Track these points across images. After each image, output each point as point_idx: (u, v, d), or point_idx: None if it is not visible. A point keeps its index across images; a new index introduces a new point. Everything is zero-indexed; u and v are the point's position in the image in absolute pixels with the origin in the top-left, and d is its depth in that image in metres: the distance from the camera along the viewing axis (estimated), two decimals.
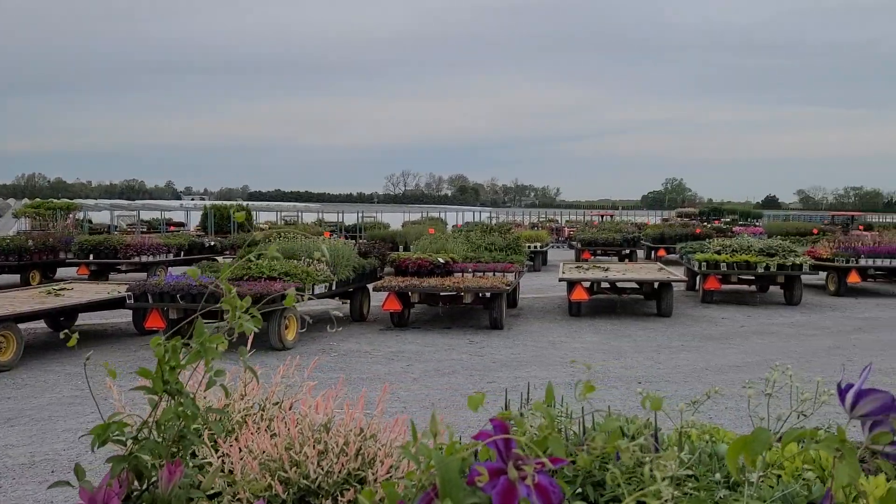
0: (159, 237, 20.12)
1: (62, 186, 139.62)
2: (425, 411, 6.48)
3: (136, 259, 17.08)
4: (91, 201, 55.36)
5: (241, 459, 1.68)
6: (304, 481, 1.65)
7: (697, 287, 15.15)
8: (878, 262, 15.23)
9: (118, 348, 9.65)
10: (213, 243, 20.39)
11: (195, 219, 36.59)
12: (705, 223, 36.45)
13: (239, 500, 1.62)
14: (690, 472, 1.97)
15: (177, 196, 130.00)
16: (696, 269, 14.36)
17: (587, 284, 12.53)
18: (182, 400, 1.41)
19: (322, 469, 1.66)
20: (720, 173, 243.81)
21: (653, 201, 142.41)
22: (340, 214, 39.36)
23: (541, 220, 45.80)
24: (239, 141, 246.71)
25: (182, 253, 18.54)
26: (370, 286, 12.24)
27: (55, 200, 39.79)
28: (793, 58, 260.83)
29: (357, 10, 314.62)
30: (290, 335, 9.88)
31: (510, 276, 12.06)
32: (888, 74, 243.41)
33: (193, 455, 1.88)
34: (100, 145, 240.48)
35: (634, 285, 12.99)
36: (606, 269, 13.84)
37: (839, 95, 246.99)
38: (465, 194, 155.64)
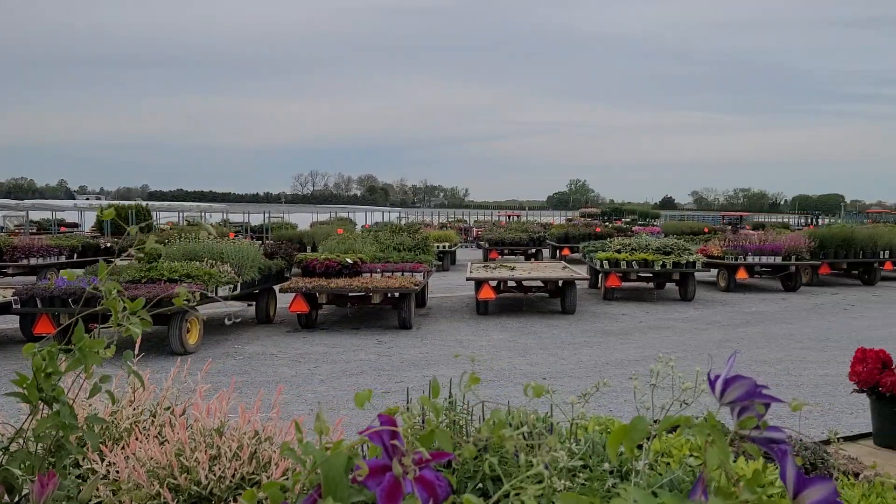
0: (50, 238, 19.04)
1: None
2: (332, 413, 6.41)
3: (25, 262, 16.10)
4: None
5: (129, 467, 1.61)
6: (195, 487, 1.60)
7: (599, 285, 15.66)
8: (764, 260, 16.19)
9: (3, 357, 9.07)
10: (109, 245, 19.45)
11: (90, 219, 34.83)
12: (606, 223, 37.71)
13: None
14: (584, 463, 2.04)
15: (70, 196, 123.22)
16: (597, 267, 14.83)
17: (494, 283, 12.73)
18: (59, 408, 1.34)
19: (214, 474, 1.61)
20: (621, 175, 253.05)
21: (558, 202, 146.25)
22: (246, 215, 38.40)
23: (450, 220, 46.12)
24: (138, 138, 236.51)
25: (75, 255, 17.61)
26: (276, 287, 12.00)
27: None
28: (686, 65, 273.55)
29: (265, 6, 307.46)
30: (193, 339, 9.57)
31: (419, 276, 12.09)
32: (767, 84, 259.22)
33: (77, 465, 1.80)
34: None
35: (540, 284, 13.29)
36: (513, 269, 14.10)
37: (726, 102, 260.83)
38: (375, 194, 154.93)
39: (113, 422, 1.96)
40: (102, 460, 1.75)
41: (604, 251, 15.21)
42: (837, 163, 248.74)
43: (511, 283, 13.34)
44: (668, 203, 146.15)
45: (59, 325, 9.07)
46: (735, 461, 2.23)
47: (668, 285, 15.70)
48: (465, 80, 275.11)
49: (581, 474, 1.95)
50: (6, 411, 1.94)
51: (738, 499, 0.96)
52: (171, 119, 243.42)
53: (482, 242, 26.26)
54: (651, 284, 15.81)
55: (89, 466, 1.77)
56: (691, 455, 2.30)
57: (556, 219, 50.29)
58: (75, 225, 35.07)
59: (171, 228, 28.66)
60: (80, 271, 12.99)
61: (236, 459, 1.65)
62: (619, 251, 15.01)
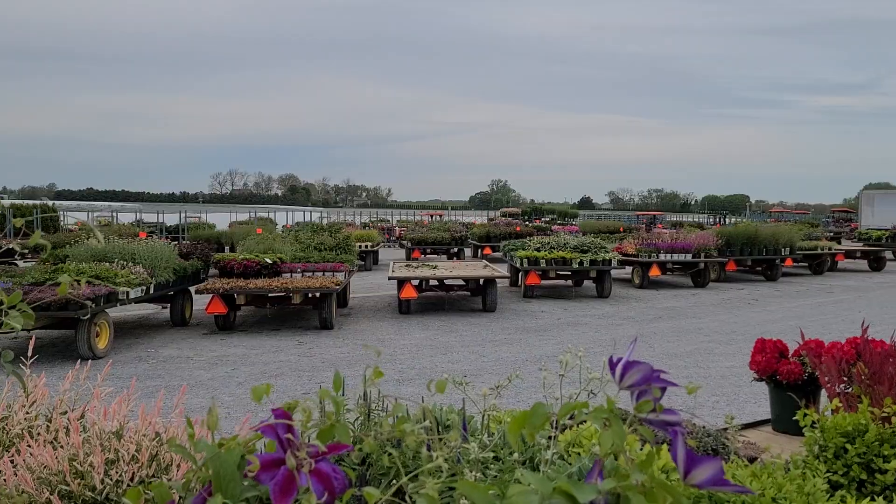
0: None
1: None
2: (252, 416, 6.26)
3: None
4: None
5: (17, 475, 1.53)
6: (90, 493, 1.53)
7: (519, 283, 15.90)
8: (675, 257, 16.82)
9: None
10: (11, 246, 18.37)
11: None
12: (527, 223, 38.33)
13: None
14: (495, 455, 2.06)
15: None
16: (518, 265, 15.05)
17: (416, 282, 12.74)
18: None
19: (111, 478, 1.54)
20: (542, 176, 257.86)
21: (480, 202, 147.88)
22: (161, 214, 37.11)
23: (372, 220, 45.86)
24: (44, 135, 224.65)
25: None
26: (193, 289, 11.65)
27: None
28: (604, 70, 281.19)
29: (182, 1, 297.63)
30: (102, 343, 9.18)
31: (340, 276, 11.97)
32: (679, 89, 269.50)
33: None
34: None
35: (461, 282, 13.39)
36: (435, 268, 14.15)
37: (641, 106, 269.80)
38: (296, 194, 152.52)
39: (3, 427, 1.85)
40: None
41: (524, 250, 15.45)
42: (743, 165, 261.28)
43: (433, 282, 13.38)
44: (585, 203, 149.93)
45: None
46: (642, 449, 2.30)
47: (586, 282, 16.10)
48: (388, 79, 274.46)
49: (493, 466, 1.97)
50: None
51: (629, 480, 0.98)
52: (81, 116, 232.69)
53: (405, 242, 26.25)
54: (569, 282, 16.18)
55: None
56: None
57: (478, 218, 50.75)
58: None
59: (80, 228, 27.42)
60: None
61: (135, 462, 1.59)
62: (538, 250, 15.27)
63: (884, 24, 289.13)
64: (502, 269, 14.56)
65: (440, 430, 2.05)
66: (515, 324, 11.73)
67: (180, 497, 0.92)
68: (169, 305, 11.65)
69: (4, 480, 1.53)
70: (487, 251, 24.97)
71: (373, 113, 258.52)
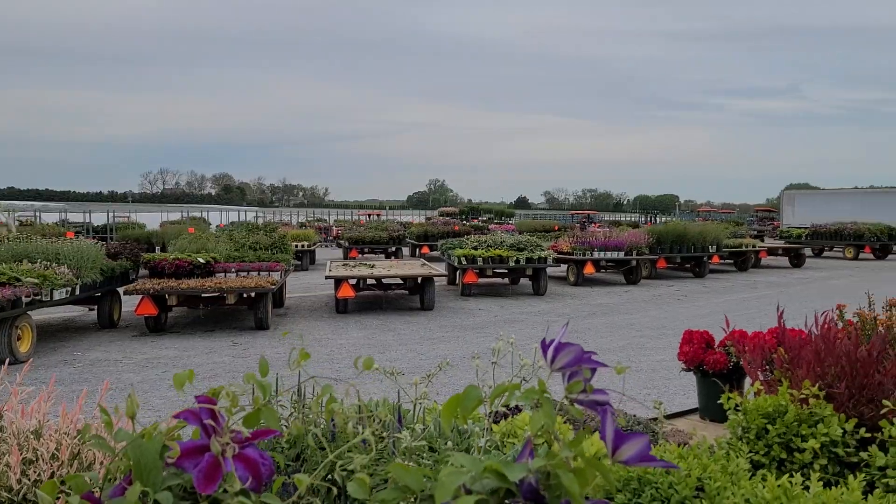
0: None
1: None
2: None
3: None
4: None
5: None
6: (6, 494, 1.46)
7: (457, 281, 15.97)
8: (608, 255, 17.19)
9: None
10: None
11: None
12: (464, 222, 38.58)
13: None
14: (429, 445, 2.07)
15: None
16: (455, 264, 15.11)
17: (354, 281, 12.65)
18: None
19: (29, 478, 1.48)
20: (479, 175, 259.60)
21: (418, 201, 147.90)
22: (88, 214, 35.82)
23: (309, 219, 45.35)
24: None
25: None
26: (121, 290, 11.27)
27: None
28: (542, 71, 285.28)
29: None
30: (24, 347, 8.81)
31: (276, 275, 11.78)
32: (611, 90, 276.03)
33: None
34: None
35: (399, 281, 13.35)
36: (372, 267, 14.07)
37: (575, 106, 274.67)
38: (231, 194, 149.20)
39: None
40: None
41: (461, 248, 15.53)
42: (673, 166, 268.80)
43: (371, 281, 13.31)
44: (522, 203, 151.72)
45: None
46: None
47: (522, 280, 16.29)
48: (324, 78, 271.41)
49: (427, 456, 1.97)
50: None
51: (557, 458, 1.00)
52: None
53: (342, 241, 26.03)
54: (506, 280, 16.35)
55: None
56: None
57: (416, 218, 50.79)
58: None
59: None
60: None
61: (55, 461, 1.53)
62: (475, 248, 15.37)
63: (804, 32, 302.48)
64: (440, 268, 14.60)
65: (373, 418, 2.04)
66: (453, 321, 11.77)
67: (100, 489, 0.89)
68: (96, 307, 11.26)
69: None
70: (425, 250, 25.00)
71: (310, 112, 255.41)
